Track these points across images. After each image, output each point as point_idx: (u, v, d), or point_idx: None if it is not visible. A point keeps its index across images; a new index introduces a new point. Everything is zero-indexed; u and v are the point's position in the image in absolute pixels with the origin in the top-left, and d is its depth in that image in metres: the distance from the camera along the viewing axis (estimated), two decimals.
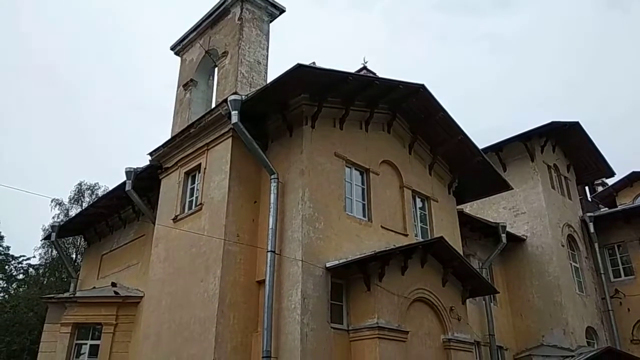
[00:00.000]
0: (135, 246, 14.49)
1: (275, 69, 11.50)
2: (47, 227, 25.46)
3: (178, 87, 14.37)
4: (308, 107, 11.15)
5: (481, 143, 15.33)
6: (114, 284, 13.86)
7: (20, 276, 29.05)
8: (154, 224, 12.80)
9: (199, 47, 13.95)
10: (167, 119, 14.18)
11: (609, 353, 15.84)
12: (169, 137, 13.23)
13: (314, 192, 10.73)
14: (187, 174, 12.46)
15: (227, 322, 9.99)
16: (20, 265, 28.75)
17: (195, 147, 12.22)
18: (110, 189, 15.87)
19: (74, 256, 27.14)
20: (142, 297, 12.82)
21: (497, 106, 68.90)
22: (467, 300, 12.23)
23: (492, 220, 17.25)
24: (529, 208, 17.97)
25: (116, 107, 67.13)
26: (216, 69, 13.57)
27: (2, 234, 28.63)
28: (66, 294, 14.53)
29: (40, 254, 28.94)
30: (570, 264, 18.09)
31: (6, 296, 27.39)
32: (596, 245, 19.06)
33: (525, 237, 17.70)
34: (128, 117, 66.15)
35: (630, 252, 18.83)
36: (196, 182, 12.18)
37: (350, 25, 75.52)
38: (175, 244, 11.78)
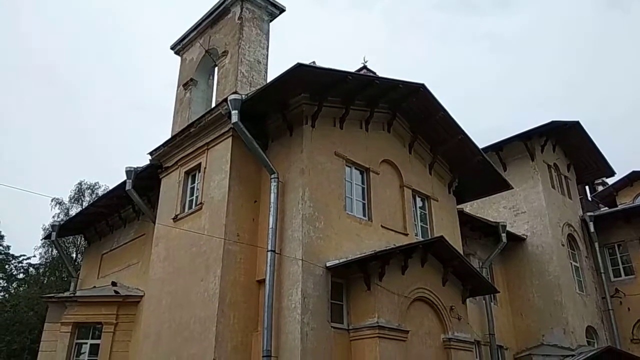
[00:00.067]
0: (136, 245, 14.50)
1: (276, 69, 11.51)
2: (47, 227, 25.52)
3: (178, 86, 14.36)
4: (308, 106, 11.14)
5: (481, 143, 15.35)
6: (114, 284, 13.87)
7: (21, 275, 29.08)
8: (154, 223, 12.81)
9: (199, 46, 13.95)
10: (167, 118, 14.21)
11: (609, 352, 15.84)
12: (169, 136, 13.23)
13: (314, 191, 10.72)
14: (187, 173, 12.45)
15: (227, 322, 9.99)
16: (20, 264, 28.78)
17: (196, 146, 12.22)
18: (111, 188, 15.91)
19: (74, 255, 27.18)
20: (142, 296, 12.84)
21: (497, 106, 68.96)
22: (467, 300, 12.22)
23: (492, 220, 17.26)
24: (529, 207, 17.97)
25: (116, 107, 67.20)
26: (216, 69, 13.56)
27: (2, 233, 28.70)
28: (66, 294, 14.53)
29: (40, 253, 29.08)
30: (571, 263, 18.09)
31: (6, 295, 27.41)
32: (596, 244, 19.07)
33: (525, 237, 17.70)
34: (128, 117, 66.21)
35: (630, 252, 18.84)
36: (196, 182, 12.18)
37: (350, 25, 75.60)
38: (176, 244, 11.78)
